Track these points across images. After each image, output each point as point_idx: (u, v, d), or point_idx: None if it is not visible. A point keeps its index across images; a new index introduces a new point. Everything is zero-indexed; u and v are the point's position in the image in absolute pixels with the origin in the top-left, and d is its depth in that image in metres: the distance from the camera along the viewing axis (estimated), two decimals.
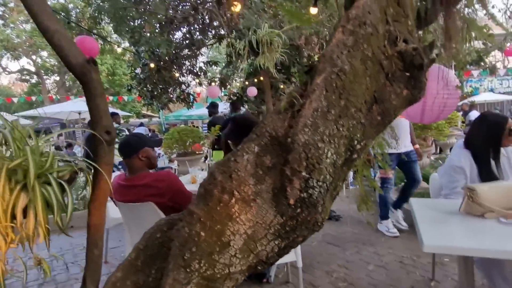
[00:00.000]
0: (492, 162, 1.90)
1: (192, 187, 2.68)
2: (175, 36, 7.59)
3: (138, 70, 6.97)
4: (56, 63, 18.98)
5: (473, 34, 1.63)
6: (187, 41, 7.43)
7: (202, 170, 3.09)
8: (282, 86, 7.51)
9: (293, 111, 0.96)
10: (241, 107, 6.73)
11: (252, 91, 7.46)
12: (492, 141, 1.89)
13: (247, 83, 8.01)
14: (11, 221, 0.79)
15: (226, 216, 0.92)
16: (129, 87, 8.05)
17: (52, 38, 0.85)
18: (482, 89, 17.49)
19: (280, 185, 0.93)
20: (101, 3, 5.93)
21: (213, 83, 7.79)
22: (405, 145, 3.35)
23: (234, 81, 9.48)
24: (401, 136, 3.22)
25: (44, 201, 0.84)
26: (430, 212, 1.61)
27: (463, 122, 7.91)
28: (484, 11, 1.79)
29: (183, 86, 8.14)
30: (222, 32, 7.01)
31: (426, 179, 4.64)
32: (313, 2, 2.27)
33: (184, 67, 7.97)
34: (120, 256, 3.13)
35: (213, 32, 7.63)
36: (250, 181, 0.94)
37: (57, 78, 21.38)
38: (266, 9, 5.53)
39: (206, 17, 7.06)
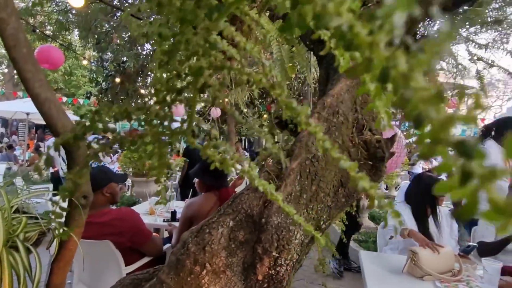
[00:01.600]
0: (431, 220, 2.13)
1: (149, 220, 2.63)
2: (144, 48, 7.47)
3: (101, 79, 6.73)
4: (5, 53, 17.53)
5: None
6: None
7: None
8: (245, 110, 7.65)
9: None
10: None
11: (216, 112, 7.51)
12: (428, 199, 2.12)
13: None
14: None
15: (195, 287, 0.96)
16: (88, 94, 7.70)
17: (42, 106, 0.85)
18: None
19: (251, 260, 0.99)
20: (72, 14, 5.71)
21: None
22: None
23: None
24: None
25: (11, 272, 0.82)
26: (377, 268, 1.76)
27: (409, 159, 8.57)
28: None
29: (146, 99, 7.97)
30: None
31: (373, 217, 4.97)
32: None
33: (149, 80, 7.83)
34: None
35: None
36: (222, 254, 0.99)
37: (5, 71, 19.76)
38: None
39: None
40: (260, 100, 6.51)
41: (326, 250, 3.95)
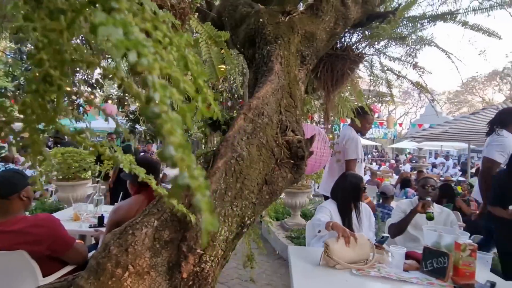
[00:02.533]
0: (354, 214, 2.34)
1: (74, 226, 2.45)
2: (73, 41, 6.87)
3: (18, 73, 6.03)
4: None
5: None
6: (86, 46, 6.81)
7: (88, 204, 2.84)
8: None
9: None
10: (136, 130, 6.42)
11: (110, 109, 7.22)
12: (352, 196, 2.33)
13: None
14: None
15: None
16: (3, 89, 6.85)
17: None
18: None
19: (176, 259, 0.99)
20: None
21: (109, 100, 7.26)
22: None
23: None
24: None
25: None
26: (302, 262, 1.88)
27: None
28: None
29: (73, 97, 7.36)
30: None
31: (305, 214, 5.25)
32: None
33: (77, 76, 7.23)
34: None
35: None
36: (146, 254, 0.98)
37: None
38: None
39: None
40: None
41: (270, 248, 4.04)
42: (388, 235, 2.19)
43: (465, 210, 4.39)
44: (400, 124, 16.42)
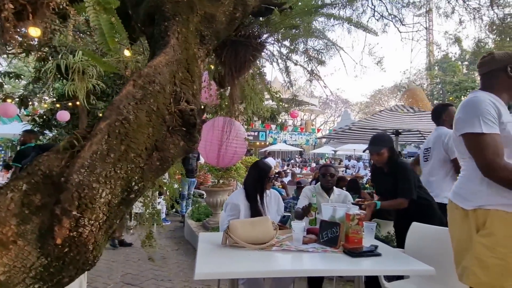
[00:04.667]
0: (259, 200, 2.44)
1: None
2: None
3: None
4: None
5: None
6: None
7: None
8: (101, 115, 6.99)
9: (72, 152, 1.00)
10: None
11: (63, 116, 6.57)
12: (259, 184, 2.43)
13: (58, 105, 7.02)
14: None
15: None
16: None
17: None
18: (279, 140, 21.57)
19: (49, 224, 0.92)
20: None
21: (8, 100, 6.40)
22: None
23: (42, 100, 8.11)
24: None
25: None
26: (210, 245, 1.89)
27: None
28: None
29: None
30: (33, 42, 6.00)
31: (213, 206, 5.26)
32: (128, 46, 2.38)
33: None
34: None
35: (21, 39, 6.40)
36: (12, 222, 0.89)
37: None
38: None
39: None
40: (114, 88, 6.01)
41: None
42: (289, 214, 2.34)
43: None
44: (319, 130, 17.71)
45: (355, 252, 1.75)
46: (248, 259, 1.68)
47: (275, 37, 2.05)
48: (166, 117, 1.20)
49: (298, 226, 1.90)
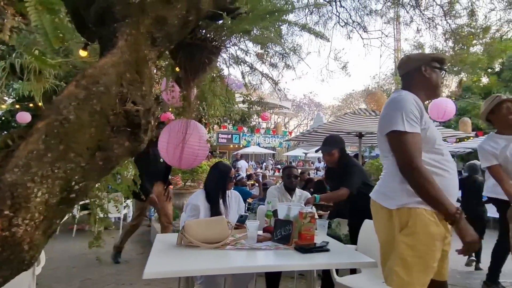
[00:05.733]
0: (221, 201, 2.47)
1: None
2: None
3: None
4: None
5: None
6: None
7: None
8: None
9: (7, 151, 0.99)
10: None
11: (24, 117, 6.29)
12: (219, 184, 2.47)
13: (18, 106, 6.72)
14: None
15: None
16: None
17: None
18: (253, 143, 21.65)
19: None
20: None
21: None
22: None
23: (1, 101, 7.73)
24: None
25: None
26: (165, 245, 1.90)
27: (233, 167, 9.57)
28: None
29: None
30: None
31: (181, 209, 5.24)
32: (83, 46, 2.35)
33: None
34: None
35: None
36: None
37: None
38: None
39: None
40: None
41: None
42: (247, 214, 2.39)
43: None
44: (290, 133, 18.00)
45: (305, 248, 1.83)
46: (201, 258, 1.71)
47: (232, 41, 2.10)
48: (111, 117, 1.21)
49: (253, 225, 1.96)
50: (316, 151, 2.90)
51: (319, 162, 16.52)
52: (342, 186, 2.53)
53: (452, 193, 1.48)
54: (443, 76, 1.68)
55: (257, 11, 2.04)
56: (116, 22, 1.50)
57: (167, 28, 1.66)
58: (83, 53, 2.23)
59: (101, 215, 1.57)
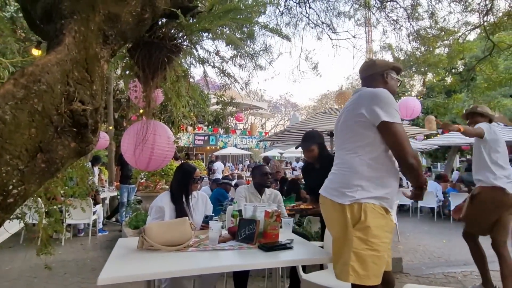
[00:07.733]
0: (185, 202, 2.43)
1: None
2: None
3: None
4: None
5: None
6: None
7: None
8: None
9: None
10: None
11: None
12: (184, 185, 2.43)
13: None
14: None
15: None
16: None
17: None
18: (229, 144, 21.57)
19: None
20: None
21: None
22: None
23: None
24: None
25: None
26: (125, 250, 1.85)
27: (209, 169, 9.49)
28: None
29: None
30: None
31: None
32: (35, 45, 2.25)
33: None
34: None
35: None
36: None
37: None
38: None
39: None
40: None
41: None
42: (212, 214, 2.37)
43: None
44: (266, 133, 18.07)
45: (267, 246, 1.83)
46: (161, 261, 1.67)
47: (192, 39, 2.07)
48: (54, 117, 1.16)
49: (215, 225, 1.93)
50: (296, 148, 2.92)
51: (297, 162, 16.68)
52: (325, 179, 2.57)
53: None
54: (398, 85, 1.83)
55: (216, 9, 2.03)
56: (64, 18, 1.44)
57: (120, 25, 1.61)
58: (36, 52, 2.13)
59: (45, 221, 1.49)
